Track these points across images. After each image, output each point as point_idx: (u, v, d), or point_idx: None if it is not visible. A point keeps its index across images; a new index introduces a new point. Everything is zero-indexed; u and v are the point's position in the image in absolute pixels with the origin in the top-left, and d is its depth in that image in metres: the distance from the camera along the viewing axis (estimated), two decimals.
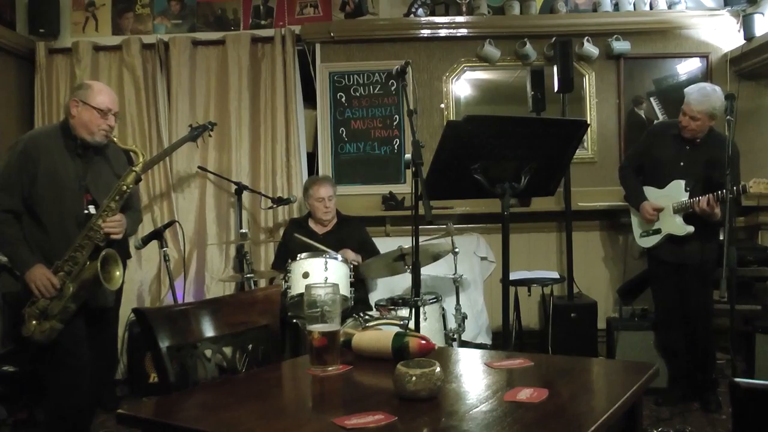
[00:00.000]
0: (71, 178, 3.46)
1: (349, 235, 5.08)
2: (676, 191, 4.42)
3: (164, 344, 2.06)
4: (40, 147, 3.44)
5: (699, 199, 4.21)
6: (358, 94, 6.02)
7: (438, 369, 1.73)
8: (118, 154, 3.72)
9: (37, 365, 3.98)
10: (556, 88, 5.55)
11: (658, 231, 4.51)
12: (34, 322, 3.34)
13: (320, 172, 5.92)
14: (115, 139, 3.63)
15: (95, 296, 3.52)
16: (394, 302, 4.59)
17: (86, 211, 3.48)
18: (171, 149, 5.40)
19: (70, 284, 3.37)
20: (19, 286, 3.46)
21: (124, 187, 3.50)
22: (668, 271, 4.55)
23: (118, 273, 3.48)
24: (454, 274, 4.75)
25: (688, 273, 4.45)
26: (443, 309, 4.62)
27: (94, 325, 3.61)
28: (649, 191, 4.60)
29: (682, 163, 4.45)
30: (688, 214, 4.36)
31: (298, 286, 4.33)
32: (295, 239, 4.80)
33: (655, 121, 5.78)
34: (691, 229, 4.35)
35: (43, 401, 3.81)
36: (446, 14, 6.00)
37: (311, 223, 5.11)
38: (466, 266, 5.39)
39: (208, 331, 2.21)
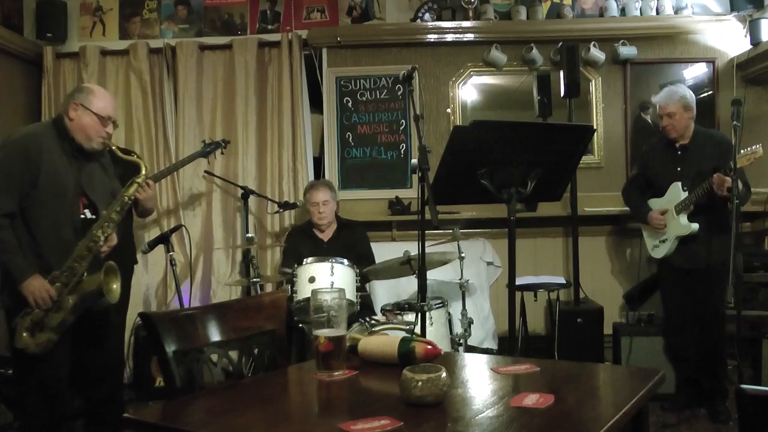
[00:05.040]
0: (68, 181, 3.33)
1: (352, 240, 5.09)
2: (675, 193, 4.45)
3: (170, 348, 2.06)
4: (41, 146, 3.28)
5: (712, 184, 4.13)
6: (364, 98, 6.03)
7: (444, 374, 1.72)
8: (106, 158, 3.60)
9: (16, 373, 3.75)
10: (562, 93, 5.55)
11: (667, 238, 4.52)
12: (25, 334, 3.18)
13: (326, 177, 5.93)
14: (114, 147, 3.48)
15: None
16: (400, 307, 4.58)
17: (82, 216, 3.38)
18: (181, 163, 5.33)
19: (69, 297, 3.23)
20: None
21: (126, 199, 3.40)
22: (680, 276, 4.54)
23: (115, 286, 3.31)
24: (460, 279, 4.74)
25: (700, 277, 4.43)
26: (449, 314, 4.61)
27: (89, 327, 3.46)
28: (652, 203, 4.65)
29: (678, 169, 4.49)
30: (691, 212, 4.37)
31: (304, 291, 4.33)
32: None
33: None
34: (695, 226, 4.35)
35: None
36: (453, 19, 5.99)
37: (315, 231, 5.12)
38: (473, 271, 5.38)
39: (215, 335, 2.22)
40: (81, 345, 3.46)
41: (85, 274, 3.27)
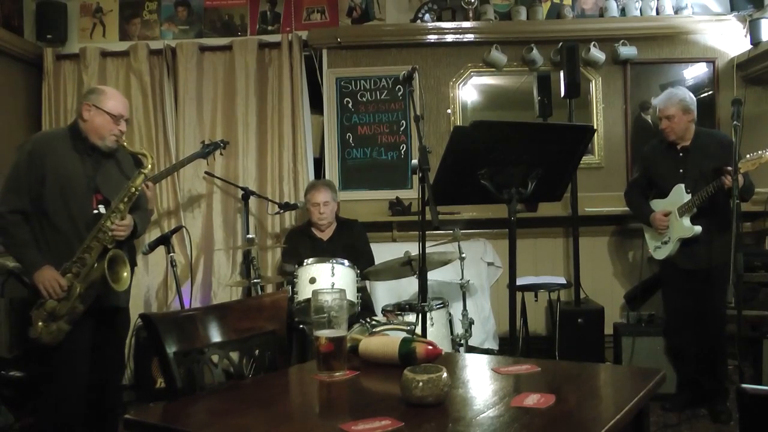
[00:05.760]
0: (79, 178, 3.48)
1: (350, 238, 5.11)
2: (678, 195, 4.45)
3: (171, 350, 2.06)
4: (47, 147, 3.47)
5: (722, 184, 4.15)
6: (364, 99, 6.03)
7: (445, 374, 1.72)
8: (125, 155, 3.74)
9: (44, 368, 3.96)
10: (562, 94, 5.55)
11: (669, 240, 4.52)
12: (41, 323, 3.32)
13: (327, 178, 5.92)
14: (124, 143, 3.66)
15: (108, 295, 3.49)
16: (401, 308, 4.58)
17: (96, 211, 3.50)
18: (180, 164, 5.38)
19: (77, 285, 3.36)
20: (26, 291, 3.46)
21: (133, 189, 3.52)
22: (682, 276, 4.54)
23: (125, 273, 3.49)
24: (461, 280, 4.74)
25: (702, 277, 4.43)
26: (450, 314, 4.61)
27: (106, 325, 3.59)
28: (655, 204, 4.65)
29: (681, 170, 4.50)
30: (694, 215, 4.38)
31: (305, 292, 4.34)
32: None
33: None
34: (698, 229, 4.36)
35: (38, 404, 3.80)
36: (453, 20, 5.99)
37: (314, 230, 5.13)
38: (473, 272, 5.38)
39: (215, 336, 2.21)
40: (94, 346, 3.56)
41: (96, 263, 3.39)
